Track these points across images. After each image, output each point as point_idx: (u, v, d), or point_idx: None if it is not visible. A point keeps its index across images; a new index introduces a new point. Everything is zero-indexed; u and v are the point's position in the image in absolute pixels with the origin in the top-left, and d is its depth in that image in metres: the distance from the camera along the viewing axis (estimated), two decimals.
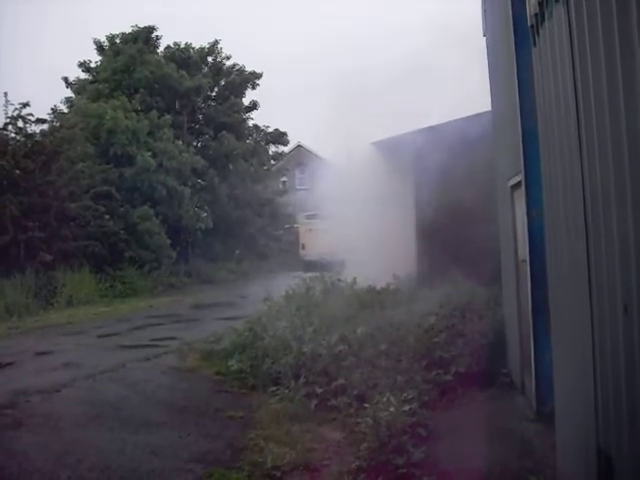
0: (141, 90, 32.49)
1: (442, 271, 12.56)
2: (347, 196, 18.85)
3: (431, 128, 14.27)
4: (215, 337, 12.83)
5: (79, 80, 33.44)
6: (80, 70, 33.67)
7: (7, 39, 36.96)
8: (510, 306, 9.35)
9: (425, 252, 15.16)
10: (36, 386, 9.62)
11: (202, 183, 33.42)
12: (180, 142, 32.43)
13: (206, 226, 31.94)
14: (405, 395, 7.22)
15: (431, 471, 5.94)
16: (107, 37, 33.60)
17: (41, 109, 25.54)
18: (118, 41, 33.54)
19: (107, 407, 8.76)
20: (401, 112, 17.46)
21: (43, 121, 24.55)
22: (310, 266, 25.79)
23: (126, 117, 28.43)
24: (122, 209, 26.62)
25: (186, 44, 36.34)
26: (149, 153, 28.57)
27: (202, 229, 31.73)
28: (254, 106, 39.10)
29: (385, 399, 6.94)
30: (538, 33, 5.34)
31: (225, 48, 37.93)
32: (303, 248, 36.18)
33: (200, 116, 37.72)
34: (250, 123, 40.00)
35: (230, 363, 10.67)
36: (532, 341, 7.30)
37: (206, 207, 33.83)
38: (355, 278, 14.10)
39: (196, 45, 36.76)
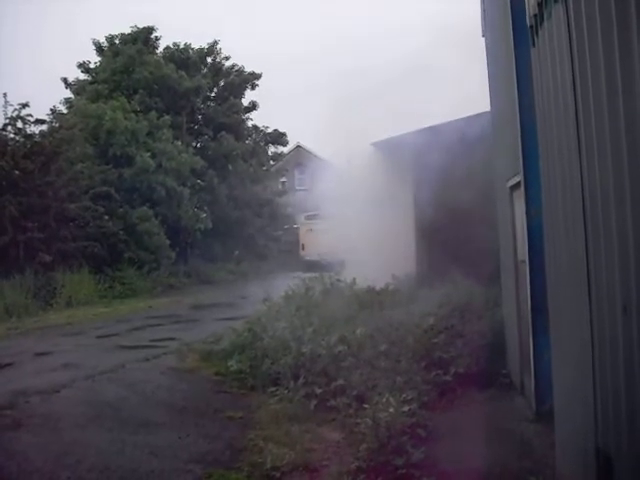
0: (140, 91, 32.50)
1: (441, 271, 12.57)
2: (347, 196, 18.84)
3: (430, 128, 14.27)
4: (214, 338, 12.82)
5: (78, 81, 33.46)
6: (79, 71, 33.77)
7: (7, 39, 36.98)
8: (509, 306, 9.35)
9: (424, 252, 15.17)
10: (35, 387, 9.62)
11: (201, 184, 33.42)
12: (179, 143, 32.42)
13: (205, 227, 31.93)
14: (404, 396, 7.21)
15: (430, 472, 5.94)
16: (106, 38, 33.65)
17: (40, 110, 25.62)
18: (117, 42, 33.56)
19: (106, 408, 8.75)
20: (401, 112, 17.48)
21: (42, 122, 24.55)
22: (310, 266, 25.80)
23: (125, 118, 28.42)
24: (121, 210, 26.60)
25: (185, 44, 36.41)
26: (148, 154, 28.56)
27: (201, 230, 31.72)
28: (253, 106, 39.14)
29: (384, 400, 6.94)
30: (537, 33, 5.35)
31: (224, 48, 38.05)
32: (303, 248, 36.19)
33: (199, 117, 37.75)
34: (249, 124, 40.09)
35: (229, 363, 10.67)
36: (531, 341, 7.30)
37: (205, 208, 33.83)
38: (354, 279, 14.11)
39: (195, 46, 36.88)
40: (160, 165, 29.10)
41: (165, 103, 33.42)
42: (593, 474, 4.05)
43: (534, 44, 5.56)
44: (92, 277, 23.58)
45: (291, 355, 9.52)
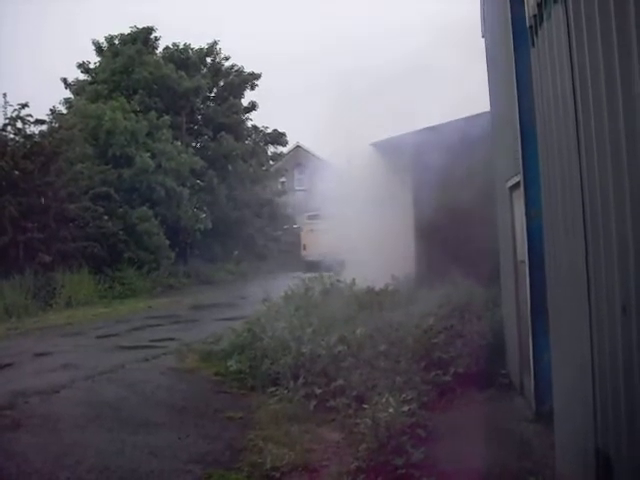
0: (140, 91, 32.50)
1: (441, 272, 12.56)
2: (346, 197, 18.84)
3: (430, 129, 14.27)
4: (214, 338, 12.82)
5: (78, 81, 33.47)
6: (79, 71, 33.79)
7: (7, 39, 36.97)
8: (509, 307, 9.36)
9: (424, 253, 15.16)
10: (35, 387, 9.62)
11: (201, 184, 33.43)
12: (179, 143, 32.43)
13: (205, 227, 31.93)
14: (404, 396, 7.21)
15: (430, 472, 5.94)
16: (106, 38, 33.64)
17: (40, 110, 25.55)
18: (117, 42, 33.56)
19: (106, 408, 8.75)
20: (401, 112, 17.46)
21: (42, 122, 24.55)
22: (311, 266, 25.77)
23: (125, 118, 28.43)
24: (121, 210, 26.60)
25: (185, 45, 36.44)
26: (148, 154, 28.56)
27: (201, 230, 31.73)
28: (253, 107, 39.16)
29: (384, 400, 6.94)
30: (537, 34, 5.35)
31: (224, 48, 38.08)
32: (304, 248, 36.14)
33: (199, 117, 37.76)
34: (249, 124, 40.10)
35: (229, 364, 10.67)
36: (531, 342, 7.30)
37: (205, 208, 33.82)
38: (354, 279, 14.11)
39: (195, 46, 36.90)
40: (160, 165, 29.10)
41: (165, 103, 33.42)
42: (593, 474, 4.05)
43: (534, 44, 5.56)
44: (92, 277, 23.58)
45: (291, 355, 9.52)
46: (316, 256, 26.69)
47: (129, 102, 30.16)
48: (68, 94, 32.91)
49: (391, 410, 6.64)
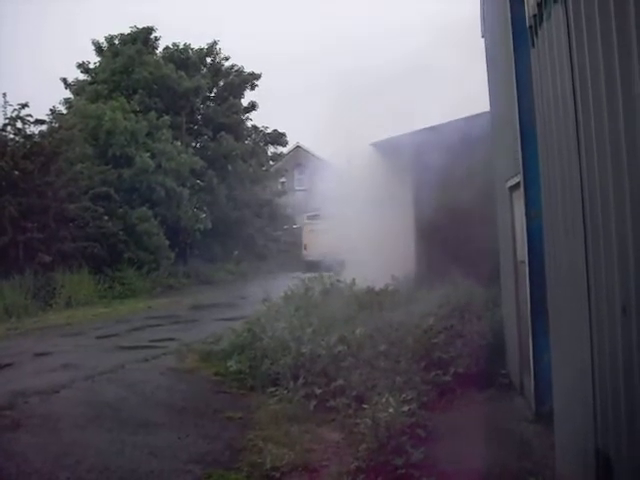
0: (140, 91, 32.50)
1: (441, 272, 12.56)
2: (346, 197, 18.84)
3: (430, 129, 14.27)
4: (214, 338, 12.82)
5: (78, 81, 33.46)
6: (79, 71, 33.77)
7: (6, 39, 36.95)
8: (509, 307, 9.36)
9: (424, 253, 15.17)
10: (35, 387, 9.61)
11: (201, 184, 33.42)
12: (179, 143, 32.42)
13: (205, 227, 31.93)
14: (404, 396, 7.21)
15: (430, 472, 5.94)
16: (106, 38, 33.64)
17: (40, 110, 25.54)
18: (117, 42, 33.56)
19: (106, 408, 8.75)
20: (401, 112, 17.47)
21: (42, 122, 24.53)
22: (311, 266, 25.76)
23: (125, 118, 28.42)
24: (121, 210, 26.59)
25: (185, 45, 36.44)
26: (148, 154, 28.56)
27: (201, 230, 31.73)
28: (253, 107, 39.17)
29: (384, 400, 6.94)
30: (537, 34, 5.35)
31: (224, 48, 38.10)
32: (305, 248, 36.14)
33: (199, 117, 37.76)
34: (249, 124, 40.11)
35: (229, 364, 10.66)
36: (531, 342, 7.30)
37: (205, 208, 33.82)
38: (354, 279, 14.10)
39: (195, 46, 36.90)
40: (159, 165, 29.10)
41: (164, 103, 33.42)
42: (592, 475, 4.05)
43: (533, 45, 5.56)
44: (92, 277, 23.57)
45: (290, 355, 9.52)
46: (317, 256, 26.69)
47: (129, 102, 30.15)
48: (68, 94, 32.99)
49: (391, 410, 6.65)
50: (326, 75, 57.25)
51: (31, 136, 23.81)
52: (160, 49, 35.43)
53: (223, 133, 35.79)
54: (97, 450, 7.03)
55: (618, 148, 3.36)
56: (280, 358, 9.63)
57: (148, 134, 29.73)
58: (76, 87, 33.08)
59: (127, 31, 33.74)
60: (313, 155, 41.83)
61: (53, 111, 27.97)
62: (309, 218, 35.58)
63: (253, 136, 40.54)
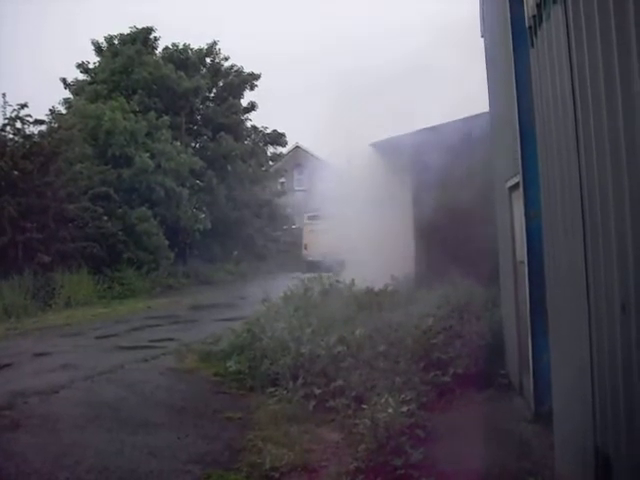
0: (139, 91, 32.50)
1: (440, 272, 12.56)
2: (346, 197, 18.84)
3: (429, 129, 14.28)
4: (213, 338, 12.82)
5: (77, 81, 33.47)
6: (78, 71, 33.77)
7: (6, 39, 36.95)
8: (508, 307, 9.36)
9: (423, 253, 15.16)
10: (34, 387, 9.61)
11: (200, 184, 33.41)
12: (178, 143, 32.42)
13: (204, 227, 31.94)
14: (403, 396, 7.21)
15: (429, 472, 5.94)
16: (105, 38, 33.66)
17: (39, 110, 25.56)
18: (116, 42, 33.57)
19: (105, 408, 8.75)
20: (401, 112, 17.47)
21: (41, 122, 24.54)
22: (312, 266, 25.78)
23: (124, 118, 28.42)
24: (120, 210, 26.59)
25: (184, 45, 36.45)
26: (147, 154, 28.56)
27: (200, 230, 31.73)
28: (252, 107, 39.18)
29: (383, 400, 6.94)
30: (536, 34, 5.35)
31: (224, 48, 38.12)
32: (306, 248, 36.16)
33: (198, 117, 37.77)
34: (248, 124, 40.12)
35: (228, 364, 10.66)
36: (530, 342, 7.30)
37: (204, 208, 33.83)
38: (353, 279, 14.10)
39: (194, 46, 36.91)
40: (159, 165, 29.09)
41: (164, 103, 33.42)
42: (592, 473, 4.06)
43: (533, 45, 5.56)
44: (91, 278, 23.57)
45: (290, 356, 9.52)
46: (317, 256, 26.74)
47: (128, 102, 30.14)
48: (67, 94, 32.99)
49: (390, 410, 6.64)
50: (326, 75, 57.31)
51: (30, 136, 23.82)
52: (160, 49, 35.50)
53: (222, 133, 35.79)
54: (96, 450, 7.03)
55: (617, 147, 3.36)
56: (279, 358, 9.63)
57: (147, 134, 29.73)
58: (75, 87, 33.08)
59: (127, 31, 33.83)
60: (312, 155, 41.83)
61: (52, 111, 28.03)
62: (309, 218, 35.57)
63: (252, 136, 40.55)
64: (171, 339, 14.23)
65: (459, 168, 12.89)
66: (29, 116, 23.60)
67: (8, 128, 23.32)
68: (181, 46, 36.23)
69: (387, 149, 17.56)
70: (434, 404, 8.12)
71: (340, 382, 8.48)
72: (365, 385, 8.18)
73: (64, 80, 33.31)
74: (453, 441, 6.88)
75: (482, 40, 11.98)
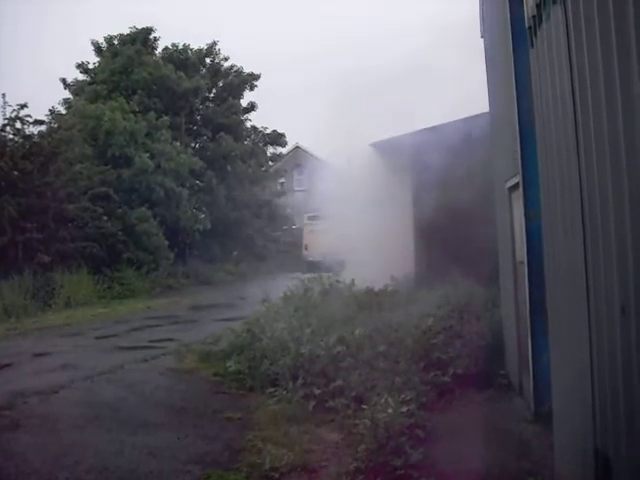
0: (139, 91, 32.50)
1: (440, 272, 12.57)
2: (345, 197, 18.85)
3: (429, 129, 14.28)
4: (213, 338, 12.82)
5: (77, 81, 33.46)
6: (78, 71, 33.76)
7: (6, 39, 36.94)
8: (508, 307, 9.36)
9: (423, 253, 15.16)
10: (34, 387, 9.61)
11: (200, 184, 33.41)
12: (178, 143, 32.42)
13: (204, 227, 31.93)
14: (403, 396, 7.21)
15: (429, 472, 5.95)
16: (105, 38, 33.66)
17: (39, 110, 25.56)
18: (116, 42, 33.57)
19: (105, 408, 8.75)
20: (401, 112, 17.47)
21: (41, 122, 24.54)
22: (312, 267, 25.80)
23: (124, 118, 28.42)
24: (120, 210, 26.59)
25: (184, 45, 36.44)
26: (147, 154, 28.56)
27: (200, 230, 31.72)
28: (252, 107, 39.19)
29: (383, 400, 6.94)
30: (536, 34, 5.35)
31: (224, 48, 38.12)
32: (306, 249, 36.19)
33: (198, 117, 37.77)
34: (248, 124, 40.12)
35: (228, 364, 10.66)
36: (530, 342, 7.30)
37: (204, 208, 33.83)
38: (353, 279, 14.10)
39: (194, 46, 36.89)
40: (159, 166, 29.09)
41: (164, 104, 33.42)
42: (591, 475, 4.05)
43: (532, 45, 5.56)
44: (91, 278, 23.56)
45: (290, 356, 9.52)
46: (317, 256, 26.76)
47: (128, 102, 30.15)
48: (67, 94, 32.98)
49: (390, 411, 6.64)
50: (326, 75, 57.27)
51: (30, 136, 23.82)
52: (159, 49, 35.50)
53: (222, 133, 35.79)
54: (96, 450, 7.03)
55: (617, 148, 3.36)
56: (279, 358, 9.63)
57: (147, 134, 29.72)
58: (75, 87, 33.07)
59: (126, 31, 33.82)
60: (312, 155, 41.84)
61: (52, 111, 28.01)
62: (309, 219, 35.60)
63: (252, 136, 40.55)
64: (171, 339, 14.23)
65: (459, 168, 12.89)
66: (29, 116, 23.64)
67: (8, 128, 23.35)
68: (181, 46, 36.24)
69: (387, 149, 17.56)
70: (434, 404, 8.13)
71: (340, 382, 8.48)
72: (365, 385, 8.18)
73: (64, 80, 33.34)
74: (453, 441, 6.88)
75: (482, 40, 11.98)
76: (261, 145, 40.91)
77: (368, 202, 17.57)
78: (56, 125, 25.11)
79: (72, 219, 24.34)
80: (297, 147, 48.80)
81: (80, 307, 21.28)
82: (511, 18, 7.47)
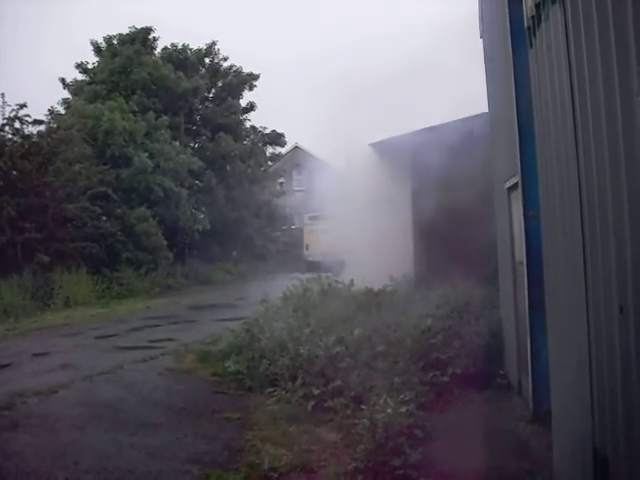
0: (138, 91, 32.47)
1: (439, 272, 12.57)
2: (345, 197, 18.85)
3: (429, 129, 14.27)
4: (212, 338, 12.84)
5: (76, 81, 33.44)
6: (77, 71, 33.73)
7: (5, 40, 36.95)
8: (507, 307, 9.36)
9: (423, 253, 15.16)
10: (33, 387, 9.61)
11: (199, 184, 33.39)
12: (177, 143, 32.41)
13: (203, 227, 31.92)
14: (402, 397, 7.21)
15: (428, 472, 5.95)
16: (104, 38, 33.63)
17: (38, 110, 25.58)
18: (115, 42, 33.53)
19: (104, 408, 8.75)
20: (401, 112, 17.46)
21: (40, 122, 24.58)
22: (312, 267, 25.81)
23: (123, 118, 28.39)
24: (119, 210, 26.59)
25: (183, 45, 36.42)
26: (146, 154, 28.53)
27: (199, 230, 31.71)
28: (251, 107, 39.20)
29: (382, 401, 6.94)
30: (535, 35, 5.35)
31: (223, 49, 38.11)
32: (307, 249, 36.23)
33: (197, 117, 37.76)
34: (247, 124, 40.11)
35: (227, 364, 10.66)
36: (529, 342, 7.31)
37: (203, 208, 33.82)
38: (352, 280, 14.09)
39: (193, 46, 36.88)
40: (158, 166, 29.07)
41: (163, 104, 33.39)
42: (590, 474, 4.06)
43: (532, 45, 5.57)
44: (90, 278, 23.56)
45: (289, 356, 9.52)
46: (318, 256, 26.80)
47: (127, 102, 30.11)
48: (66, 94, 32.97)
49: (389, 411, 6.65)
50: (326, 75, 57.12)
51: (29, 136, 23.84)
52: (159, 49, 35.45)
53: (222, 133, 35.78)
54: (95, 450, 7.03)
55: (616, 148, 3.36)
56: (278, 359, 9.63)
57: (146, 134, 29.70)
58: (74, 87, 33.05)
59: (126, 31, 33.77)
60: (311, 155, 41.85)
61: (51, 111, 28.10)
62: (310, 219, 35.66)
63: (252, 136, 40.55)
64: (170, 339, 14.24)
65: (459, 168, 12.88)
66: (28, 116, 23.66)
67: (7, 128, 23.36)
68: (180, 46, 36.21)
69: (387, 149, 17.55)
70: (433, 404, 8.13)
71: (339, 382, 8.48)
72: (364, 385, 8.18)
73: (63, 80, 33.33)
74: (452, 441, 6.87)
75: (481, 40, 11.98)
76: (260, 145, 40.91)
77: (368, 202, 17.57)
78: (55, 125, 25.14)
79: (71, 219, 24.33)
80: (296, 147, 48.80)
81: (79, 307, 21.29)
82: (510, 18, 7.47)
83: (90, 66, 33.67)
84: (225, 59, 38.15)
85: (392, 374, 8.37)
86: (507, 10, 7.63)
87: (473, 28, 12.77)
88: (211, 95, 38.31)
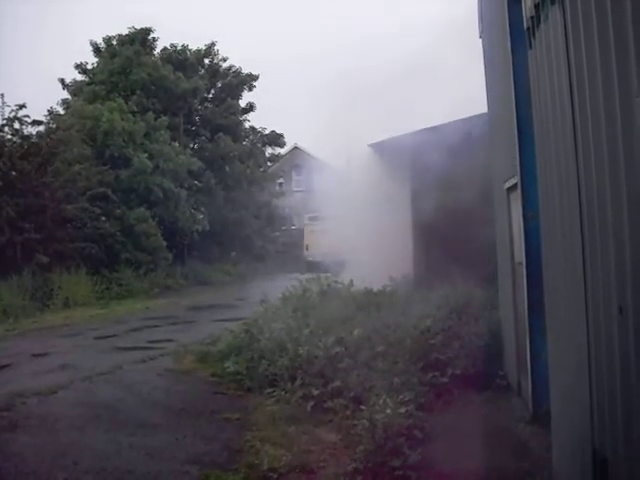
0: (137, 92, 32.44)
1: (439, 273, 12.57)
2: (345, 198, 18.86)
3: (429, 129, 14.27)
4: (211, 339, 12.83)
5: (75, 82, 33.41)
6: (77, 72, 33.69)
7: (5, 40, 36.89)
8: (506, 308, 9.36)
9: (422, 253, 15.17)
10: (32, 388, 9.61)
11: (198, 185, 33.37)
12: (176, 144, 32.39)
13: (202, 228, 31.90)
14: (401, 397, 7.22)
15: (427, 473, 5.95)
16: (104, 39, 33.60)
17: (37, 111, 25.58)
18: (115, 43, 33.51)
19: (103, 409, 8.75)
20: (401, 112, 17.47)
21: (39, 123, 24.54)
22: (312, 267, 25.83)
23: (122, 119, 28.37)
24: (118, 211, 26.57)
25: (183, 46, 36.37)
26: (145, 155, 28.51)
27: (198, 231, 31.69)
28: (251, 108, 39.19)
29: (381, 401, 6.94)
30: (534, 35, 5.36)
31: (223, 49, 38.23)
32: (307, 249, 36.26)
33: (197, 118, 37.74)
34: (247, 125, 40.09)
35: (226, 365, 10.66)
36: (528, 343, 7.31)
37: (202, 209, 33.80)
38: (351, 280, 14.09)
39: (193, 47, 36.85)
40: (157, 166, 29.06)
41: (162, 104, 33.37)
42: (589, 475, 4.06)
43: (531, 46, 5.57)
44: (89, 278, 23.54)
45: (288, 356, 9.51)
46: (318, 256, 26.83)
47: (127, 103, 30.08)
48: (66, 95, 32.94)
49: (388, 411, 6.65)
50: (325, 75, 57.13)
51: (29, 137, 23.82)
52: (158, 50, 35.40)
53: (221, 134, 35.76)
54: (94, 451, 7.03)
55: (615, 148, 3.36)
56: (277, 359, 9.63)
57: (146, 135, 29.68)
58: (74, 88, 33.03)
59: (125, 32, 33.72)
60: (311, 156, 41.83)
61: (51, 112, 28.01)
62: (310, 219, 35.67)
63: (251, 137, 40.52)
64: (169, 340, 14.23)
65: (458, 169, 12.88)
66: (27, 117, 23.62)
67: (6, 129, 23.33)
68: (179, 47, 36.18)
69: (386, 149, 17.55)
70: (432, 405, 8.13)
71: (338, 383, 8.47)
72: (363, 386, 8.18)
73: (62, 81, 33.30)
74: (451, 442, 6.87)
75: (481, 40, 11.98)
76: (260, 146, 40.88)
77: (367, 203, 17.58)
78: (54, 125, 25.11)
79: (70, 219, 24.32)
80: (296, 147, 48.80)
81: (78, 307, 21.28)
82: (509, 19, 7.47)
83: (89, 66, 33.65)
84: (224, 59, 38.18)
85: (391, 375, 8.37)
86: (506, 11, 7.63)
87: (473, 28, 12.77)
88: (210, 96, 38.29)
